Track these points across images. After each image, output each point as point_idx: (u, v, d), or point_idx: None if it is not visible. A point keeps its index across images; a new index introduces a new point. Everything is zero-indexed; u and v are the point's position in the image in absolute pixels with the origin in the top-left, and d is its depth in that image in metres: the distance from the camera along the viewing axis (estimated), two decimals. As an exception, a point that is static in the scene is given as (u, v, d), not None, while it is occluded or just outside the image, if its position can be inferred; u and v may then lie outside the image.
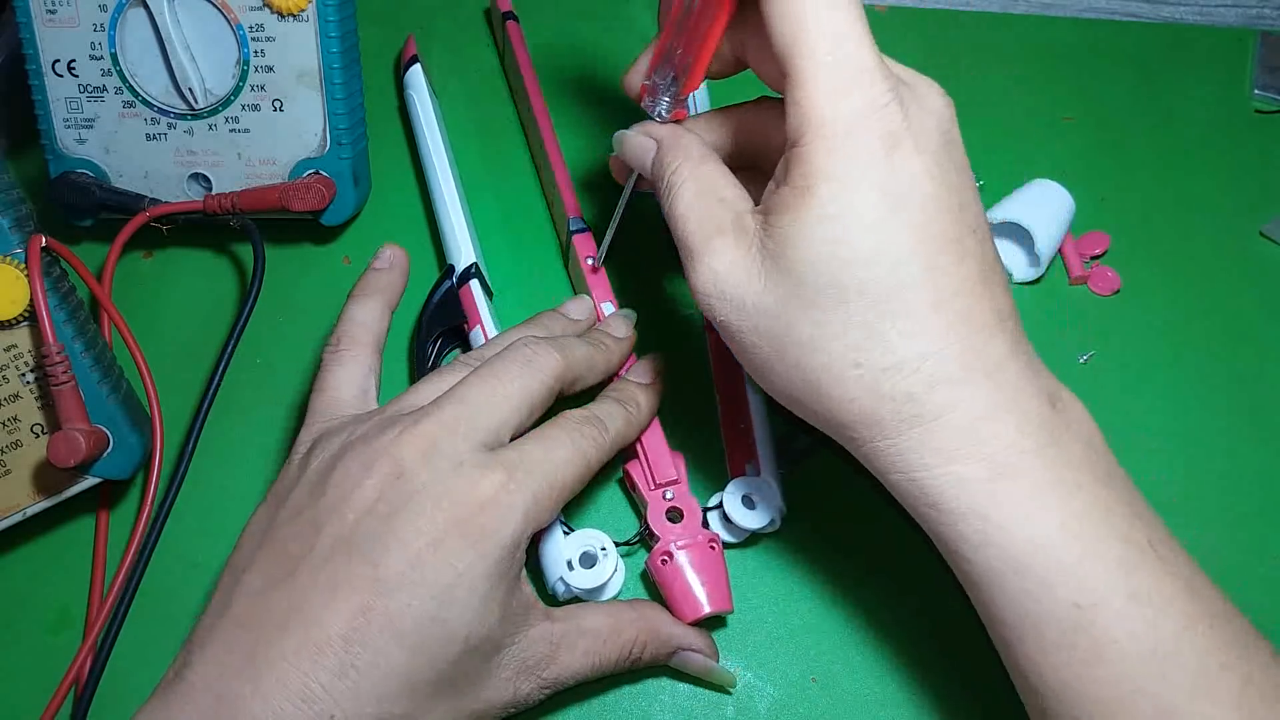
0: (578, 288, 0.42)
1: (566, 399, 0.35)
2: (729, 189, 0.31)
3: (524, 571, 0.32)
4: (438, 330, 0.39)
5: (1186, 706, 0.26)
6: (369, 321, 0.37)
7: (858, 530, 0.38)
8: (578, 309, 0.39)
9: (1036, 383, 0.28)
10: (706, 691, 0.36)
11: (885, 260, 0.27)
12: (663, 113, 0.33)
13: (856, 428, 0.29)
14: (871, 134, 0.27)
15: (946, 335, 0.27)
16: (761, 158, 0.34)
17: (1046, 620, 0.27)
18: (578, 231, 0.41)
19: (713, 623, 0.36)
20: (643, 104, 0.33)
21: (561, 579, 0.34)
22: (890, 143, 0.27)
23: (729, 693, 0.36)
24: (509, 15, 0.48)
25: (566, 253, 0.43)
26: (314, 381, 0.36)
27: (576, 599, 0.35)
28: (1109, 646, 0.26)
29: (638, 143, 0.34)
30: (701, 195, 0.31)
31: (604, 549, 0.35)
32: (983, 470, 0.27)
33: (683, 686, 0.36)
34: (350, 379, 0.35)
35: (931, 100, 0.29)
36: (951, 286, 0.28)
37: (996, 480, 0.27)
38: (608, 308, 0.39)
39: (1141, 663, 0.26)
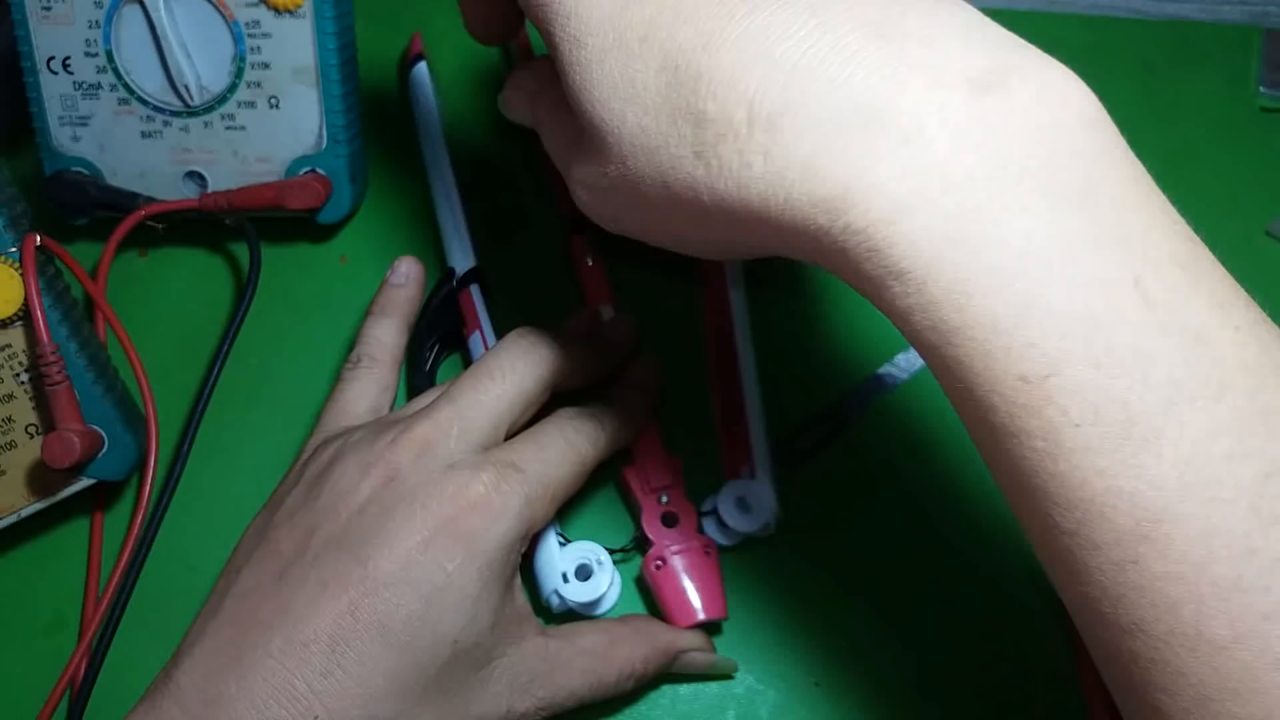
0: (579, 290, 0.42)
1: (563, 397, 0.35)
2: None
3: (519, 583, 0.31)
4: (436, 335, 0.39)
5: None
6: (387, 340, 0.37)
7: (856, 532, 0.38)
8: (579, 323, 0.39)
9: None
10: (706, 695, 0.35)
11: None
12: None
13: (854, 127, 0.20)
14: None
15: None
16: None
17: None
18: (579, 232, 0.41)
19: (710, 627, 0.36)
20: None
21: (556, 591, 0.34)
22: None
23: (731, 676, 0.35)
24: None
25: (569, 255, 0.42)
26: (328, 395, 0.36)
27: (571, 612, 0.35)
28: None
29: (512, 97, 0.31)
30: (557, 109, 0.28)
31: (600, 561, 0.34)
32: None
33: (683, 690, 0.36)
34: (364, 394, 0.36)
35: None
36: None
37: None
38: (606, 311, 0.39)
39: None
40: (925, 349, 0.21)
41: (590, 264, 0.40)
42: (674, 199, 0.24)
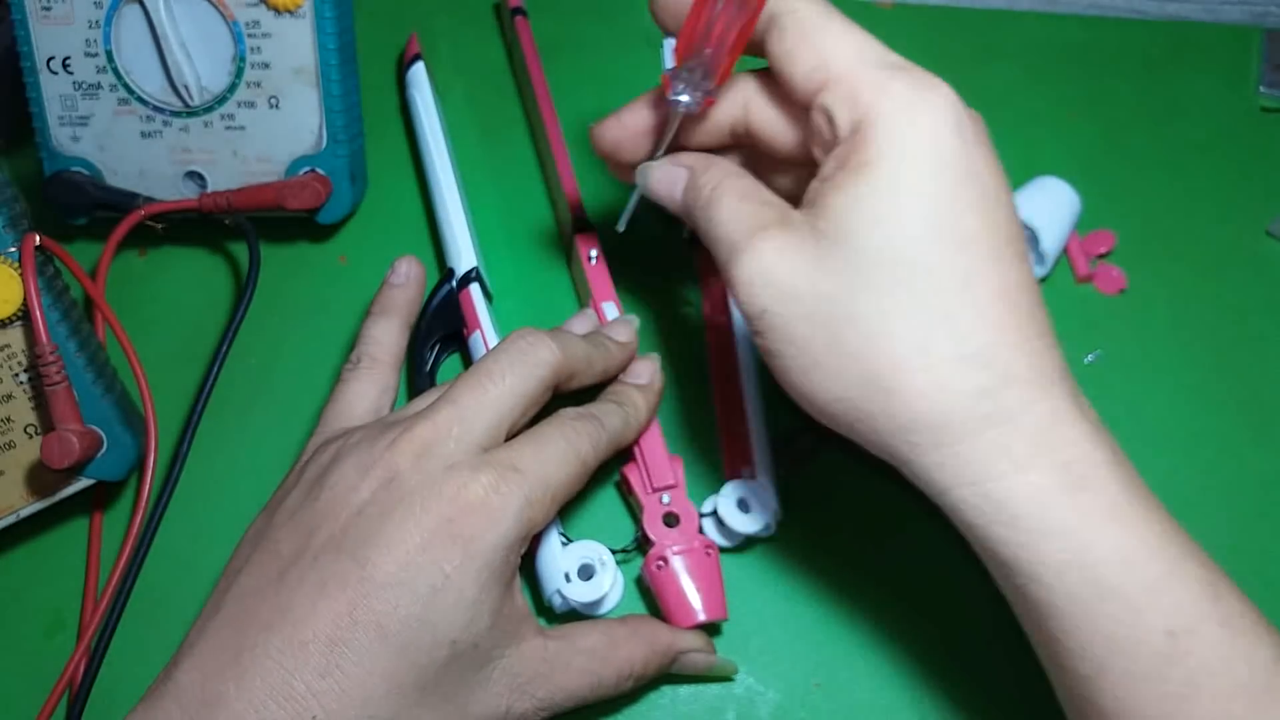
0: (580, 289, 0.42)
1: (564, 397, 0.34)
2: (770, 194, 0.30)
3: (519, 584, 0.31)
4: (436, 335, 0.39)
5: None
6: (387, 341, 0.38)
7: (857, 533, 0.38)
8: (581, 324, 0.39)
9: (1084, 400, 0.27)
10: (706, 697, 0.35)
11: (951, 238, 0.26)
12: (689, 102, 0.31)
13: (919, 430, 0.26)
14: (936, 114, 0.27)
15: (1016, 331, 0.26)
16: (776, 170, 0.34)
17: (1137, 650, 0.25)
18: (581, 230, 0.41)
19: (711, 628, 0.36)
20: (668, 96, 0.32)
21: (559, 591, 0.34)
22: (954, 126, 0.27)
23: (731, 679, 0.35)
24: (517, 11, 0.47)
25: (569, 254, 0.42)
26: (329, 396, 0.36)
27: (573, 612, 0.35)
28: (1205, 679, 0.25)
29: (666, 173, 0.33)
30: (745, 198, 0.30)
31: (602, 561, 0.34)
32: (1062, 479, 0.26)
33: (683, 691, 0.35)
34: (365, 395, 0.36)
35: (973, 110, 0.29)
36: (1015, 281, 0.27)
37: (1078, 492, 0.26)
38: (610, 309, 0.39)
39: (1239, 696, 0.24)
40: (1063, 600, 0.26)
41: (593, 264, 0.40)
42: (848, 361, 0.27)
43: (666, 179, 0.32)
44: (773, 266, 0.28)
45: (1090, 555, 0.25)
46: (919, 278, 0.26)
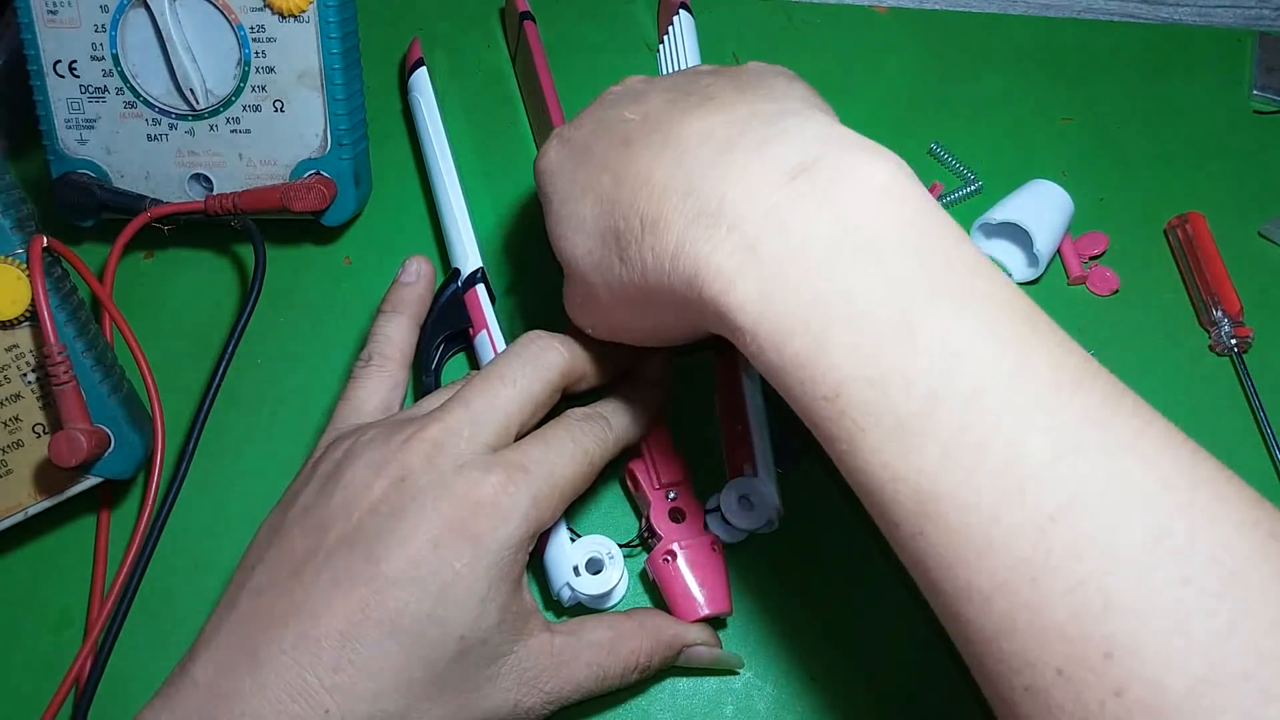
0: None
1: (573, 397, 0.35)
2: None
3: (527, 581, 0.32)
4: (442, 334, 0.39)
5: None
6: (398, 338, 0.38)
7: (857, 528, 0.38)
8: None
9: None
10: (706, 690, 0.36)
11: None
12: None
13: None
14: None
15: None
16: None
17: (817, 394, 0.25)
18: None
19: (713, 623, 0.36)
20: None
21: (568, 585, 0.34)
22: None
23: (736, 673, 0.36)
24: (526, 15, 0.48)
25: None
26: (340, 393, 0.37)
27: (581, 605, 0.35)
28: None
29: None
30: None
31: (610, 555, 0.35)
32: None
33: (682, 684, 0.36)
34: (376, 392, 0.36)
35: None
36: None
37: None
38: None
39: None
40: (769, 380, 0.26)
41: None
42: (614, 296, 0.30)
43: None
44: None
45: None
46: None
